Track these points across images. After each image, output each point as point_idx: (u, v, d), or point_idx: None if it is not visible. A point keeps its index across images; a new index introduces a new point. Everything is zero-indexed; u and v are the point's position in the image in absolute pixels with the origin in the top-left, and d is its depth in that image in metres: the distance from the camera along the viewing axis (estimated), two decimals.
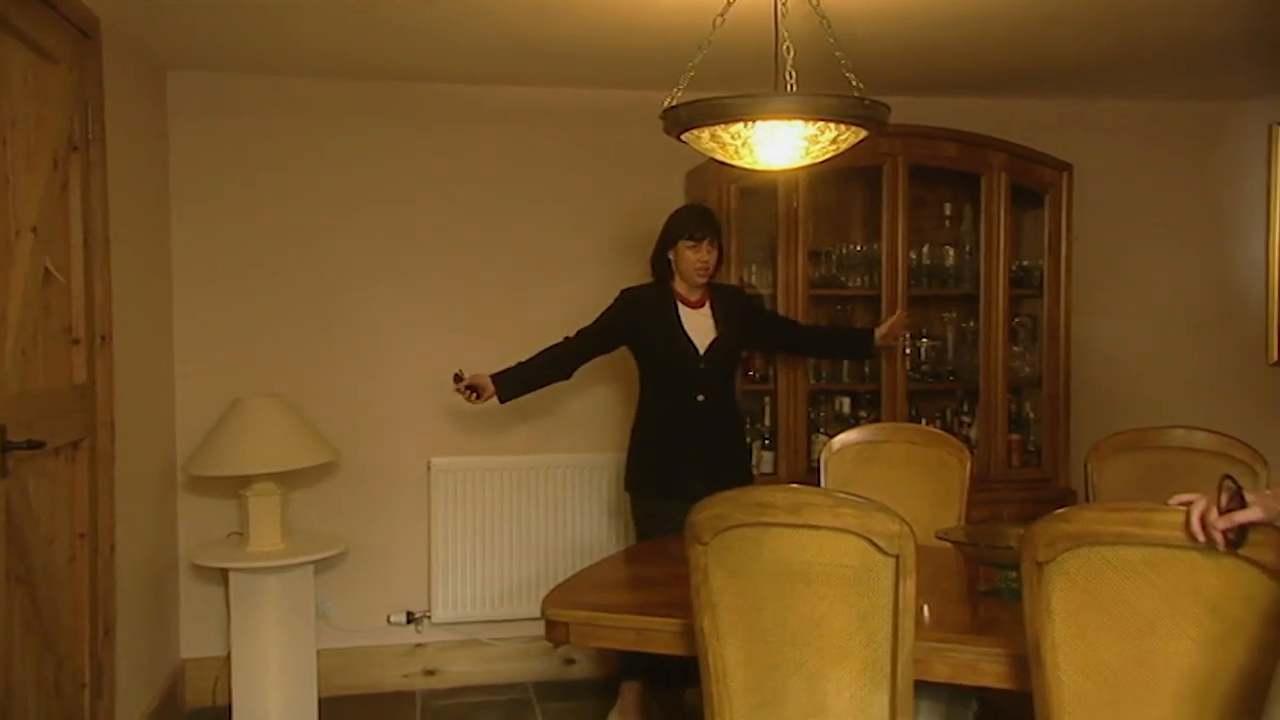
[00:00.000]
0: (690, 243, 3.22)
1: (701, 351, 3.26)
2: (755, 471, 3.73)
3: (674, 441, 3.28)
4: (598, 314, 3.37)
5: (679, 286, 3.31)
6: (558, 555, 3.90)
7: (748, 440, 3.57)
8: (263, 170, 3.74)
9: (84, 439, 2.71)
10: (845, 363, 3.90)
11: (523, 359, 3.33)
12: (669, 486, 3.25)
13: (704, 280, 3.28)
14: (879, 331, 3.53)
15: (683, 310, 3.30)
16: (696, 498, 3.22)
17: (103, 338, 2.82)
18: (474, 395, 3.28)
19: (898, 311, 3.62)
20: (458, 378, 3.25)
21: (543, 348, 3.35)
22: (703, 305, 3.32)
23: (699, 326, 3.29)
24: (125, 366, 3.00)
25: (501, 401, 3.33)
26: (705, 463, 3.22)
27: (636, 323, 3.31)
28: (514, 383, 3.32)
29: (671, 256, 3.27)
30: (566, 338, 3.36)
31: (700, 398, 3.26)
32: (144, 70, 3.43)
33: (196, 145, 3.68)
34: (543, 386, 3.40)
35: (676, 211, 3.35)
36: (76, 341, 2.69)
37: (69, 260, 2.67)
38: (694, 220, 3.26)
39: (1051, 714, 1.83)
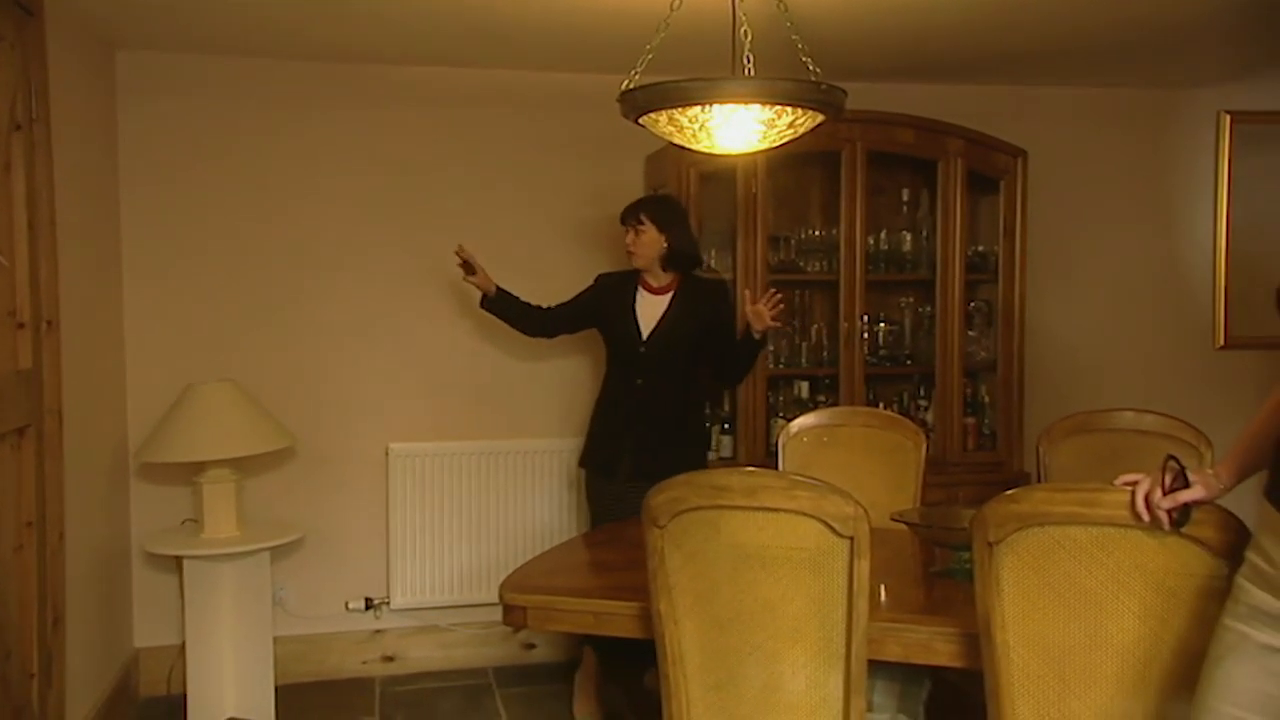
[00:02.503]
0: (624, 226, 3.34)
1: (644, 336, 3.30)
2: (715, 455, 3.76)
3: (611, 422, 3.37)
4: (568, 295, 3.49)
5: (646, 273, 3.37)
6: (517, 540, 3.89)
7: (695, 431, 3.45)
8: (216, 152, 3.67)
9: (30, 425, 2.65)
10: (804, 346, 3.92)
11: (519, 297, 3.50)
12: (603, 465, 3.37)
13: (638, 262, 3.32)
14: (755, 326, 3.24)
15: (641, 295, 3.36)
16: (623, 480, 3.16)
17: (49, 322, 2.76)
18: (469, 273, 3.42)
19: (768, 296, 3.29)
20: (466, 265, 3.40)
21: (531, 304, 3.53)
22: (665, 293, 3.35)
23: (651, 312, 3.33)
24: (73, 352, 2.94)
25: (484, 303, 3.47)
26: (636, 447, 3.28)
27: (601, 305, 3.42)
28: (504, 302, 3.47)
29: None
30: (547, 307, 3.51)
31: (639, 381, 3.31)
32: (91, 49, 3.35)
33: (147, 126, 3.60)
34: (515, 325, 3.54)
35: None
36: (21, 326, 2.63)
37: (13, 243, 2.61)
38: (627, 208, 3.36)
39: (1001, 691, 1.87)
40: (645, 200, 3.43)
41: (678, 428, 3.38)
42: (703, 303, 3.38)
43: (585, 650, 3.48)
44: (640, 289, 3.37)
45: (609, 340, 3.43)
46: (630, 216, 3.33)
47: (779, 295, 3.21)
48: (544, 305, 3.53)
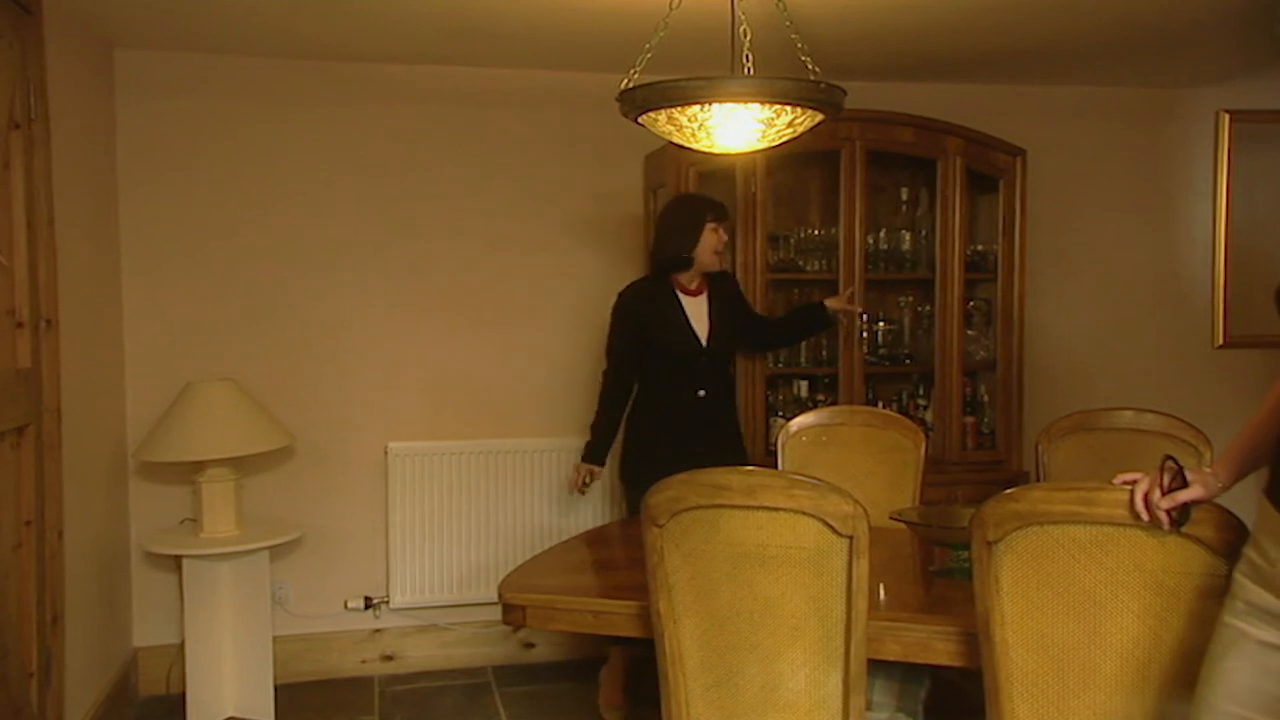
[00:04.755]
0: (714, 225, 3.24)
1: (704, 343, 3.26)
2: None
3: (675, 438, 3.26)
4: (608, 329, 3.35)
5: (681, 276, 3.30)
6: (516, 539, 3.89)
7: (743, 430, 3.53)
8: (214, 151, 3.67)
9: (29, 425, 2.65)
10: (803, 346, 3.92)
11: (593, 420, 3.37)
12: None
13: (719, 265, 3.30)
14: (830, 302, 3.53)
15: (684, 300, 3.29)
16: None
17: (48, 321, 2.76)
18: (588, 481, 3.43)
19: (849, 290, 3.63)
20: (583, 490, 3.49)
21: (600, 398, 3.36)
22: (701, 293, 3.32)
23: (699, 315, 3.29)
24: (72, 351, 2.94)
25: (602, 468, 3.43)
26: (707, 458, 3.20)
27: (643, 320, 3.28)
28: (604, 448, 3.38)
29: (695, 245, 3.24)
30: (605, 373, 3.35)
31: (701, 392, 3.27)
32: (90, 48, 3.35)
33: (145, 125, 3.60)
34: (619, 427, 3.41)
35: (683, 203, 3.31)
36: (20, 325, 2.63)
37: (12, 242, 2.61)
38: (714, 203, 3.27)
39: (1000, 690, 1.87)
40: (714, 198, 3.35)
41: (737, 429, 3.45)
42: (729, 292, 3.40)
43: (613, 650, 3.45)
44: (679, 294, 3.28)
45: (660, 354, 3.26)
46: (727, 213, 3.26)
47: (853, 289, 3.61)
48: (607, 370, 3.33)
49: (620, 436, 3.40)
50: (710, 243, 3.24)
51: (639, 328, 3.28)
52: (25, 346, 2.65)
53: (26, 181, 2.65)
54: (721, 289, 3.38)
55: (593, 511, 3.92)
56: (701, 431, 3.27)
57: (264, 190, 3.72)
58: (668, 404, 3.29)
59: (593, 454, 3.38)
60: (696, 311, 3.29)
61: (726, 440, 3.35)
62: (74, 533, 2.94)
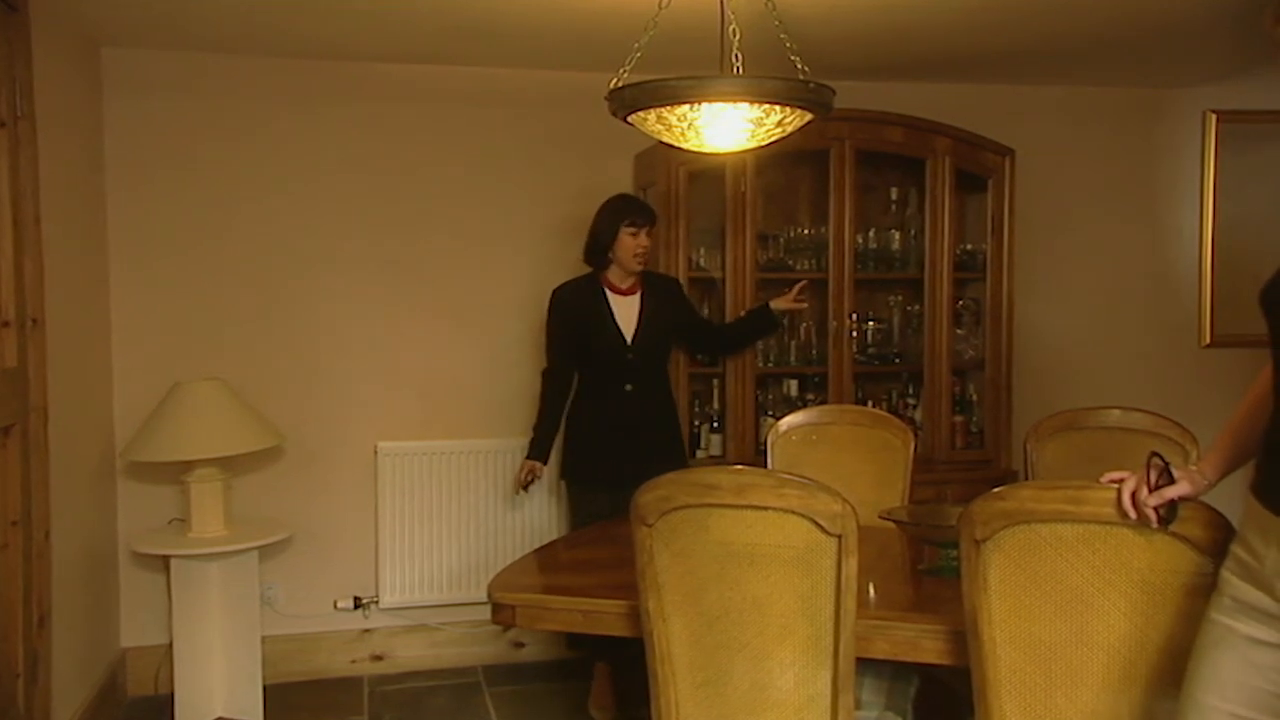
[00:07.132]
0: (632, 229, 3.28)
1: (629, 341, 3.31)
2: (704, 454, 3.77)
3: (603, 431, 3.34)
4: (544, 329, 3.45)
5: (612, 275, 3.35)
6: (506, 539, 3.89)
7: (680, 429, 3.53)
8: (202, 150, 3.65)
9: (15, 424, 2.64)
10: (792, 345, 3.93)
11: (534, 421, 3.47)
12: (598, 476, 3.33)
13: (642, 266, 3.33)
14: (775, 303, 3.55)
15: (612, 299, 3.35)
16: (624, 487, 3.25)
17: (34, 321, 2.74)
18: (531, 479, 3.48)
19: (799, 285, 3.58)
20: (525, 486, 3.51)
21: (539, 397, 3.47)
22: (633, 293, 3.36)
23: (627, 314, 3.34)
24: (59, 350, 2.93)
25: (544, 465, 3.48)
26: (633, 452, 3.27)
27: (573, 317, 3.37)
28: (546, 445, 3.45)
29: (611, 244, 3.30)
30: (544, 372, 3.45)
31: (628, 387, 3.32)
32: (77, 46, 3.33)
33: (133, 124, 3.58)
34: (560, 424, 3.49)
35: (611, 201, 3.37)
36: (6, 324, 2.62)
37: None
38: (635, 207, 3.33)
39: (988, 688, 1.87)
40: (645, 202, 3.43)
41: (670, 426, 3.43)
42: (668, 295, 3.43)
43: (597, 667, 3.46)
44: (608, 292, 3.35)
45: (586, 349, 3.36)
46: (651, 218, 3.30)
47: (803, 284, 3.54)
48: (545, 369, 3.44)
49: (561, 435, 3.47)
50: (628, 245, 3.29)
51: (569, 324, 3.37)
52: (11, 346, 2.64)
53: (12, 180, 2.64)
54: (659, 291, 3.41)
55: None
56: (632, 426, 3.31)
57: (253, 190, 3.71)
58: (599, 400, 3.37)
59: (533, 450, 3.44)
60: (625, 311, 3.34)
61: (660, 435, 3.37)
62: (61, 533, 2.92)
